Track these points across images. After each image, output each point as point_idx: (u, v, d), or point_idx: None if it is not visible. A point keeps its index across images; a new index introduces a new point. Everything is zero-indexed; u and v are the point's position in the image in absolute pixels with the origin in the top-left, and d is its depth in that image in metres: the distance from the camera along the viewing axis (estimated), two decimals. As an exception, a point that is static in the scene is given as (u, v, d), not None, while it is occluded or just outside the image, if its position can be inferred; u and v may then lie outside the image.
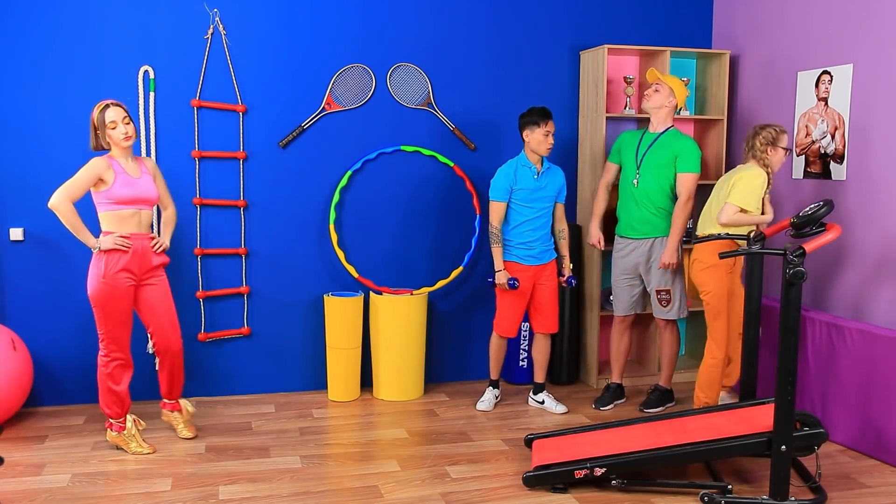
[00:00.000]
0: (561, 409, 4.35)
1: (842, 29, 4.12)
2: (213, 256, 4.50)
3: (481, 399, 4.44)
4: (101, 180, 3.55)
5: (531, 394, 4.49)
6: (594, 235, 4.44)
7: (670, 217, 4.20)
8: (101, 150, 3.63)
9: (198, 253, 4.45)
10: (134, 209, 3.64)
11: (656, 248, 4.22)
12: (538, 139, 4.10)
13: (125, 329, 3.66)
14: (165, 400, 3.94)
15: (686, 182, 4.13)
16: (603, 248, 4.50)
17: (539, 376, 4.42)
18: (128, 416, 3.76)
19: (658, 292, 4.23)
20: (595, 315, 4.79)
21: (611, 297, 4.64)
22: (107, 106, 3.56)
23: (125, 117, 3.58)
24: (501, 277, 4.17)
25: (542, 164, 4.18)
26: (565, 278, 4.33)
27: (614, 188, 4.53)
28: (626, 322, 4.43)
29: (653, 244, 4.23)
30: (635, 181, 4.21)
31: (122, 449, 3.76)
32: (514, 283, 4.14)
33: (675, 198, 4.21)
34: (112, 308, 3.59)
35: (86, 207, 4.12)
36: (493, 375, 4.46)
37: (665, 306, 4.25)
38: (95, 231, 3.88)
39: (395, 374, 4.55)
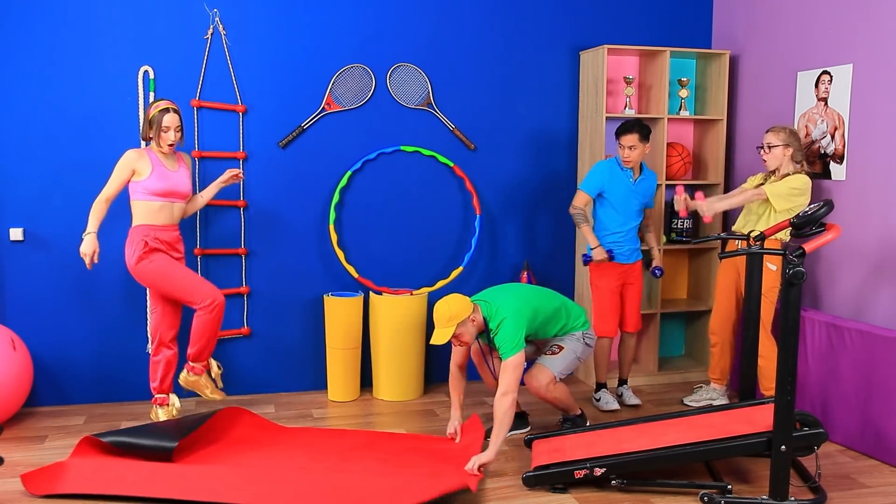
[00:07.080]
0: (635, 401, 4.46)
1: (841, 29, 4.12)
2: (213, 256, 4.50)
3: (606, 401, 4.38)
4: (135, 171, 3.75)
5: (616, 386, 4.63)
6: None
7: None
8: (149, 140, 3.83)
9: (198, 253, 4.45)
10: (166, 202, 3.81)
11: None
12: (619, 152, 4.27)
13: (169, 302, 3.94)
14: (192, 363, 3.90)
15: None
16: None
17: (624, 372, 4.58)
18: (170, 395, 4.05)
19: None
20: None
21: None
22: (167, 109, 3.74)
23: (178, 126, 3.77)
24: (599, 253, 4.22)
25: (639, 171, 4.31)
26: (651, 268, 4.47)
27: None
28: None
29: None
30: None
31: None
32: (613, 254, 4.25)
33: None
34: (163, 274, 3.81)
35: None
36: (601, 378, 4.48)
37: None
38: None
39: (394, 374, 4.55)
